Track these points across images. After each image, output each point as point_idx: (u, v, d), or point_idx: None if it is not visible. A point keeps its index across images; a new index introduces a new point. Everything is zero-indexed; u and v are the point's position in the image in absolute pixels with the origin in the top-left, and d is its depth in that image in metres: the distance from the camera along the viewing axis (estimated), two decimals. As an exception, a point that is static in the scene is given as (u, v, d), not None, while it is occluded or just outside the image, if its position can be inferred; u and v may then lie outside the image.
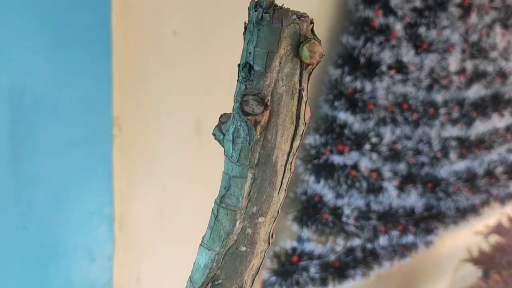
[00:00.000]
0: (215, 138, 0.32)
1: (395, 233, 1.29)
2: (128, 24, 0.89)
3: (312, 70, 0.29)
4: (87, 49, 0.85)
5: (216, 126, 0.32)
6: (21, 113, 0.80)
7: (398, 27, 1.16)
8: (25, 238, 0.84)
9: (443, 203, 1.38)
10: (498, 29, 1.37)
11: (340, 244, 1.24)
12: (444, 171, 1.36)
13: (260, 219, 0.31)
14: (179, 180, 1.05)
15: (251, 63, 0.28)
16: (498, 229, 1.39)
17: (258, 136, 0.29)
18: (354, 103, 1.16)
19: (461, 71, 1.33)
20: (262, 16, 0.27)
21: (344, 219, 1.19)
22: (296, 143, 0.31)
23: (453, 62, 1.29)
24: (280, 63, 0.28)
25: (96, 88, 0.87)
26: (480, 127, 1.43)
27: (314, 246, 1.21)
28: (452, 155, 1.36)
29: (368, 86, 1.15)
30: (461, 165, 1.41)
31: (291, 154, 0.31)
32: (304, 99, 0.30)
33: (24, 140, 0.81)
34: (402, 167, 1.28)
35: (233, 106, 0.30)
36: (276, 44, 0.28)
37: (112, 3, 0.85)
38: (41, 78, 0.81)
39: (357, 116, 1.16)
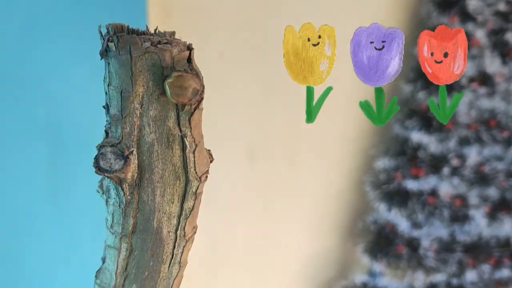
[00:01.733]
0: (100, 196, 0.26)
1: (486, 267, 1.12)
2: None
3: (194, 110, 0.22)
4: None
5: (99, 181, 0.26)
6: (58, 146, 0.80)
7: (480, 35, 1.02)
8: (67, 273, 0.84)
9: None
10: None
11: (419, 279, 1.10)
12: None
13: (143, 301, 0.24)
14: (234, 211, 1.00)
15: (109, 104, 0.22)
16: None
17: (129, 197, 0.23)
18: (429, 122, 1.03)
19: None
20: (107, 45, 0.21)
21: (421, 251, 1.06)
22: (189, 203, 0.24)
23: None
24: (142, 104, 0.22)
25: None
26: None
27: (388, 281, 1.09)
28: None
29: (445, 102, 1.02)
30: None
31: (183, 217, 0.24)
32: (190, 147, 0.23)
33: (62, 174, 0.81)
34: (492, 192, 1.12)
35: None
36: (129, 81, 0.21)
37: (150, 22, 0.83)
38: (78, 109, 0.81)
39: (433, 136, 1.03)
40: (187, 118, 0.22)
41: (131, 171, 0.22)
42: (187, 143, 0.23)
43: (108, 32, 0.21)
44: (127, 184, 0.22)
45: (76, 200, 0.82)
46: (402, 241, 1.06)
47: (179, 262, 0.24)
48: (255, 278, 1.04)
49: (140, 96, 0.22)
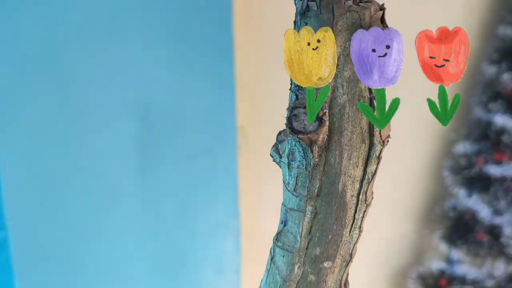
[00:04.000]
0: (273, 161, 0.26)
1: None
2: (250, 30, 0.86)
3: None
4: (210, 59, 0.83)
5: (273, 146, 0.26)
6: (147, 126, 0.81)
7: None
8: (155, 249, 0.85)
9: None
10: None
11: (500, 268, 1.07)
12: None
13: (326, 264, 0.24)
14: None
15: (302, 66, 0.22)
16: None
17: (317, 160, 0.22)
18: (515, 105, 0.99)
19: None
20: (307, 5, 0.21)
21: (503, 239, 1.03)
22: (372, 167, 0.23)
23: None
24: (338, 65, 0.21)
25: (219, 98, 0.86)
26: None
27: (467, 269, 1.06)
28: None
29: (531, 85, 0.98)
30: None
31: (365, 181, 0.23)
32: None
33: (151, 152, 0.82)
34: None
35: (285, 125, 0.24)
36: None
37: (234, 10, 0.83)
38: (166, 90, 0.82)
39: (518, 120, 0.99)
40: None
41: (323, 133, 0.22)
42: (375, 105, 0.22)
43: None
44: (317, 146, 0.22)
45: (163, 177, 0.84)
46: (483, 228, 1.03)
47: (359, 227, 0.24)
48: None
49: (338, 56, 0.21)
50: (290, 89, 0.23)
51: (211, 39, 0.82)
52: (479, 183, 1.02)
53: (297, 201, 0.24)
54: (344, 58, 0.21)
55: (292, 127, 0.22)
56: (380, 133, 0.22)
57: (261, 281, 0.26)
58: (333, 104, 0.22)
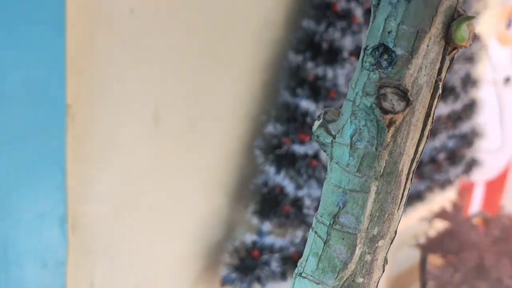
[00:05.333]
0: (316, 140, 0.25)
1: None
2: (83, 1, 0.78)
3: (454, 56, 0.23)
4: (39, 29, 0.73)
5: (319, 125, 0.25)
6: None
7: (359, 13, 1.13)
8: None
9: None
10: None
11: (299, 236, 1.20)
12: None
13: (380, 243, 0.25)
14: (136, 175, 0.95)
15: (390, 45, 0.22)
16: (443, 214, 1.42)
17: (389, 140, 0.23)
18: (317, 91, 1.11)
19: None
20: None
21: (305, 210, 1.15)
22: (421, 147, 0.25)
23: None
24: (428, 45, 0.22)
25: (48, 73, 0.76)
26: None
27: (274, 239, 1.16)
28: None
29: (329, 73, 1.11)
30: (410, 153, 1.42)
31: (415, 160, 0.25)
32: (439, 91, 0.24)
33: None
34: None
35: (351, 99, 0.23)
36: (430, 21, 0.21)
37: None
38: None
39: (319, 104, 1.12)
40: (448, 62, 0.23)
41: (404, 113, 0.22)
42: (439, 87, 0.24)
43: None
44: (394, 127, 0.23)
45: None
46: (289, 201, 1.14)
47: (404, 205, 0.25)
48: (154, 240, 1.02)
49: (430, 38, 0.22)
50: (363, 67, 0.23)
51: (41, 5, 0.72)
52: (287, 160, 1.12)
53: (361, 182, 0.23)
54: (434, 39, 0.22)
55: (382, 107, 0.22)
56: (433, 114, 0.24)
57: (303, 266, 0.25)
58: (413, 84, 0.22)
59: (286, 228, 1.17)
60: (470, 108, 1.68)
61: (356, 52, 1.15)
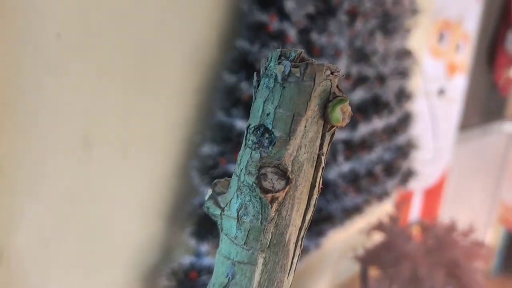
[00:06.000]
0: (207, 211, 0.25)
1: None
2: (6, 24, 0.76)
3: (334, 132, 0.24)
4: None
5: (209, 198, 0.25)
6: None
7: (292, 33, 1.15)
8: None
9: (331, 205, 1.42)
10: (378, 35, 1.43)
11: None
12: (332, 173, 1.39)
13: (269, 312, 0.25)
14: (66, 203, 0.93)
15: (269, 126, 0.22)
16: (379, 227, 1.46)
17: (273, 215, 0.23)
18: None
19: (347, 76, 1.36)
20: (289, 72, 0.21)
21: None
22: (309, 216, 0.25)
23: (342, 66, 1.31)
24: (305, 126, 0.23)
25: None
26: (362, 129, 1.48)
27: (212, 260, 1.16)
28: (340, 157, 1.39)
29: (264, 93, 1.13)
30: (346, 167, 1.45)
31: (303, 228, 0.25)
32: (322, 164, 0.25)
33: None
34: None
35: (237, 176, 0.24)
36: (305, 106, 0.22)
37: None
38: None
39: (254, 124, 1.13)
40: (328, 138, 0.24)
41: (285, 191, 0.23)
42: (322, 161, 0.24)
43: (284, 57, 0.22)
44: (277, 203, 0.23)
45: None
46: (227, 221, 1.14)
47: (294, 270, 0.26)
48: (88, 270, 0.99)
49: (307, 120, 0.23)
50: (246, 145, 0.23)
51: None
52: (223, 181, 1.12)
53: (249, 254, 0.24)
54: (311, 120, 0.23)
55: (262, 187, 0.22)
56: (319, 184, 0.25)
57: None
58: (294, 162, 0.23)
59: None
60: (405, 121, 1.74)
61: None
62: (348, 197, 1.45)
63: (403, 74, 1.67)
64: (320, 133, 0.24)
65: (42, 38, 0.82)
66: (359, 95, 1.42)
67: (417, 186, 2.32)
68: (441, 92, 2.29)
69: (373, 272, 1.50)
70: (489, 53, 2.65)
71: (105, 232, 1.00)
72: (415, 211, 2.29)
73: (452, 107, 2.40)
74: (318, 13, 1.19)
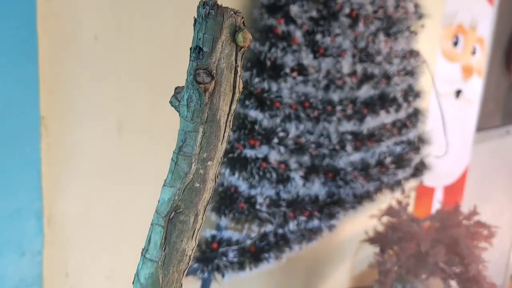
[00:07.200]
0: (172, 105, 0.42)
1: (302, 218, 1.43)
2: (53, 29, 0.95)
3: (244, 52, 0.40)
4: (14, 53, 0.90)
5: (172, 96, 0.42)
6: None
7: (298, 34, 1.31)
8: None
9: (342, 191, 1.55)
10: (381, 36, 1.57)
11: (254, 230, 1.35)
12: (342, 162, 1.53)
13: (209, 163, 0.41)
14: (102, 179, 1.11)
15: (201, 46, 0.39)
16: (389, 212, 1.58)
17: (207, 100, 0.40)
18: (263, 102, 1.29)
19: (353, 73, 1.51)
20: (209, 12, 0.38)
21: (257, 207, 1.31)
22: (234, 106, 0.41)
23: (346, 65, 1.46)
24: (222, 45, 0.39)
25: (23, 90, 0.93)
26: (370, 123, 1.62)
27: (231, 233, 1.32)
28: (348, 147, 1.53)
29: (274, 87, 1.29)
30: (356, 157, 1.59)
31: (230, 114, 0.41)
32: (239, 73, 0.41)
33: None
34: (306, 158, 1.43)
35: (187, 79, 0.40)
36: (220, 32, 0.38)
37: (38, 9, 0.91)
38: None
39: (265, 114, 1.29)
40: (240, 56, 0.40)
41: (212, 84, 0.39)
42: (238, 70, 0.41)
43: (206, 4, 0.38)
44: (208, 92, 0.39)
45: None
46: (243, 199, 1.30)
47: (226, 141, 0.42)
48: (120, 237, 1.17)
49: (222, 41, 0.39)
50: (190, 60, 0.40)
51: (16, 33, 0.89)
52: (240, 163, 1.29)
53: (193, 126, 0.40)
54: (225, 42, 0.39)
55: (196, 80, 0.39)
56: (239, 86, 0.41)
57: (165, 180, 0.42)
58: (217, 68, 0.39)
59: (242, 223, 1.33)
60: (415, 116, 1.86)
61: (296, 68, 1.33)
62: (358, 184, 1.58)
63: (411, 73, 1.80)
64: (234, 51, 0.40)
65: (82, 39, 1.02)
66: (365, 91, 1.56)
67: (438, 184, 2.42)
68: (459, 92, 2.40)
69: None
70: (506, 55, 2.73)
71: (135, 204, 1.18)
72: (436, 207, 2.38)
73: (469, 108, 2.50)
74: (321, 17, 1.35)
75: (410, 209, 2.09)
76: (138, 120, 1.15)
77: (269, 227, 1.37)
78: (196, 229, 0.42)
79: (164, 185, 0.43)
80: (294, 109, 1.36)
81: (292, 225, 1.41)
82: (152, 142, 1.18)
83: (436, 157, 2.03)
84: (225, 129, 0.42)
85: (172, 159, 0.42)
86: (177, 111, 0.42)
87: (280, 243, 1.41)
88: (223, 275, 1.30)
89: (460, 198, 2.58)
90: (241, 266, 1.32)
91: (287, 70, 1.31)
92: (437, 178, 2.42)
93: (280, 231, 1.41)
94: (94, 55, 1.05)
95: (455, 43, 2.35)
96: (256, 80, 1.28)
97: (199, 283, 1.32)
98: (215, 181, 0.42)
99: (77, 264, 1.10)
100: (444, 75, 2.29)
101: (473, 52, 2.43)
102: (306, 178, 1.43)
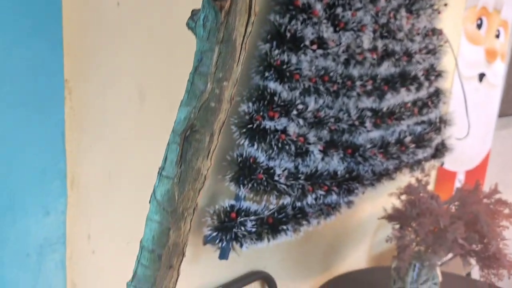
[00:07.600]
0: (188, 27, 0.43)
1: (320, 192, 1.44)
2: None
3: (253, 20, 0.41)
4: (39, 15, 0.92)
5: (189, 18, 0.43)
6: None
7: (319, 7, 1.31)
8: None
9: (361, 167, 1.55)
10: (403, 13, 1.57)
11: (273, 202, 1.36)
12: (361, 138, 1.53)
13: (224, 83, 0.42)
14: (124, 145, 1.13)
15: None
16: (408, 190, 1.57)
17: (223, 19, 0.41)
18: (282, 74, 1.29)
19: (373, 49, 1.51)
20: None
21: (276, 178, 1.32)
22: (249, 29, 0.43)
23: (366, 40, 1.46)
24: None
25: (48, 52, 0.95)
26: (391, 100, 1.61)
27: (250, 204, 1.33)
28: (368, 124, 1.53)
29: (293, 59, 1.30)
30: (375, 134, 1.59)
31: (246, 36, 0.43)
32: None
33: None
34: (325, 133, 1.43)
35: (203, 0, 0.41)
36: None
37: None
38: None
39: (285, 86, 1.30)
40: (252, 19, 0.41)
41: (228, 2, 0.40)
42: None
43: None
44: (224, 11, 0.40)
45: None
46: (262, 170, 1.31)
47: (242, 63, 0.43)
48: (141, 202, 1.19)
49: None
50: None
51: (42, 2, 0.91)
52: (259, 135, 1.30)
53: (209, 45, 0.41)
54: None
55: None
56: (254, 8, 0.42)
57: (181, 101, 0.43)
58: (233, -9, 0.40)
59: (261, 194, 1.34)
60: (436, 96, 1.85)
61: (316, 41, 1.33)
62: (378, 161, 1.58)
63: (433, 52, 1.78)
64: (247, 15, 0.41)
65: (105, 6, 1.04)
66: (385, 67, 1.55)
67: (459, 168, 2.40)
68: (482, 76, 2.37)
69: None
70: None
71: (156, 171, 1.20)
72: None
73: (492, 92, 2.46)
74: (342, -11, 1.35)
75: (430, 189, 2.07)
76: (158, 88, 1.17)
77: (287, 200, 1.38)
78: (211, 149, 0.44)
79: (180, 105, 0.44)
80: (314, 82, 1.36)
81: (310, 199, 1.42)
82: (171, 112, 1.20)
83: (457, 139, 2.01)
84: (240, 51, 0.43)
85: (188, 80, 0.43)
86: (194, 34, 0.43)
87: (298, 216, 1.42)
88: (241, 245, 1.31)
89: (482, 183, 2.55)
90: (259, 236, 1.33)
91: (307, 43, 1.31)
92: (459, 163, 2.39)
93: (298, 204, 1.41)
94: (116, 21, 1.07)
95: (479, 26, 2.32)
96: (276, 52, 1.28)
97: (218, 253, 1.34)
98: (230, 103, 0.44)
99: (99, 227, 1.13)
100: (467, 58, 2.26)
101: (497, 36, 2.40)
102: (325, 152, 1.43)
